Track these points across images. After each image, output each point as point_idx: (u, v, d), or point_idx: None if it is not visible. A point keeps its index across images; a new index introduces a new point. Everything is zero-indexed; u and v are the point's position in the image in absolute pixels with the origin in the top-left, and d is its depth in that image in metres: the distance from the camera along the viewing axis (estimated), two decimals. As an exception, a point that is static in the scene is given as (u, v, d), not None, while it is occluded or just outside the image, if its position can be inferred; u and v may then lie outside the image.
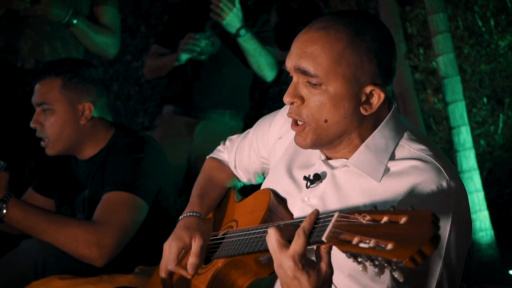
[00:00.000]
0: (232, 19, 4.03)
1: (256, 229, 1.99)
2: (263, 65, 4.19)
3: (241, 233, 2.07)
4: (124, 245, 2.77)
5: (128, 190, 2.81)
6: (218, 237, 2.24)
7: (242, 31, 4.06)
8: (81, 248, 2.67)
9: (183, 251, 2.22)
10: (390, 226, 1.46)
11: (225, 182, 2.52)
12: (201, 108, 4.28)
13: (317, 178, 2.01)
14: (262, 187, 2.23)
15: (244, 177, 2.52)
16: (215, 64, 4.25)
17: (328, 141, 1.93)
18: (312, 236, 1.64)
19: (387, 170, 1.91)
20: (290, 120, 2.03)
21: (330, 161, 2.02)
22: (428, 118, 5.33)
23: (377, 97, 1.88)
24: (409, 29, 5.37)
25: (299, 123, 1.93)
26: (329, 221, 1.61)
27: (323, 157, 2.03)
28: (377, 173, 1.90)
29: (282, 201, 2.12)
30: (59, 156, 3.06)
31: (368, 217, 1.52)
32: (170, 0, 6.80)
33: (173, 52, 4.24)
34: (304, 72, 1.86)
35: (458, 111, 4.52)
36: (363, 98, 1.88)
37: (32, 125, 2.96)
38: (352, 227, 1.54)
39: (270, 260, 1.97)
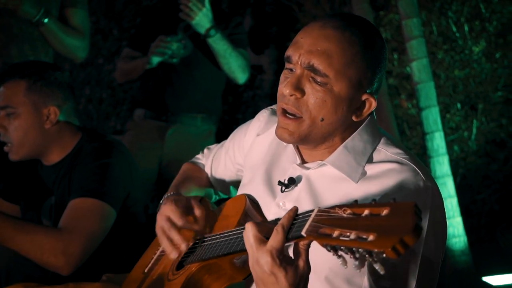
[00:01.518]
0: (202, 19, 4.00)
1: (231, 232, 1.98)
2: (234, 66, 4.16)
3: (215, 237, 2.05)
4: (91, 253, 2.71)
5: (95, 196, 2.76)
6: (192, 243, 2.20)
7: (212, 32, 4.03)
8: (47, 256, 2.62)
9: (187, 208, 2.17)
10: (372, 219, 1.45)
11: (202, 180, 2.51)
12: (173, 111, 4.25)
13: (292, 182, 2.01)
14: (238, 193, 2.23)
15: (219, 186, 2.51)
16: (187, 67, 4.22)
17: (315, 139, 1.93)
18: (291, 232, 1.63)
19: (364, 173, 1.92)
20: (270, 121, 2.10)
21: (306, 165, 2.02)
22: (402, 123, 5.34)
23: (369, 106, 1.92)
24: (383, 33, 5.38)
25: (290, 116, 1.92)
26: (309, 216, 1.61)
27: (299, 161, 2.03)
28: (355, 174, 1.92)
29: (258, 206, 2.10)
30: (24, 161, 3.00)
31: (348, 211, 1.52)
32: (143, 2, 6.76)
33: (144, 55, 4.21)
34: (313, 70, 1.86)
35: (432, 117, 4.53)
36: (358, 105, 1.91)
37: (-5, 129, 2.90)
38: (333, 220, 1.53)
39: (245, 263, 1.98)
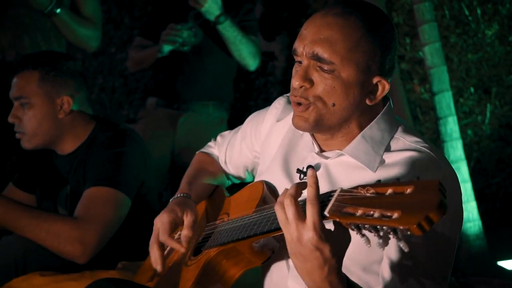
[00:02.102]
0: (211, 6, 4.00)
1: (251, 216, 1.98)
2: (244, 53, 4.15)
3: (234, 222, 2.05)
4: (107, 241, 2.73)
5: (110, 185, 2.78)
6: (209, 229, 2.21)
7: (222, 18, 4.02)
8: (64, 245, 2.65)
9: (175, 224, 2.19)
10: (396, 197, 1.45)
11: (214, 174, 2.50)
12: (184, 99, 4.26)
13: None
14: (255, 180, 2.22)
15: (234, 172, 2.50)
16: (197, 55, 4.22)
17: (329, 125, 1.93)
18: None
19: (382, 161, 1.92)
20: (286, 108, 2.11)
21: (324, 153, 2.01)
22: (414, 108, 5.31)
23: (382, 88, 1.91)
24: (395, 18, 5.34)
25: (303, 105, 1.92)
26: (332, 196, 1.61)
27: (317, 149, 2.02)
28: (373, 163, 1.91)
29: (276, 193, 2.10)
30: (39, 151, 3.02)
31: (372, 190, 1.52)
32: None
33: (156, 44, 4.21)
34: (318, 59, 1.86)
35: (445, 101, 4.50)
36: (370, 88, 1.90)
37: (10, 119, 2.92)
38: (356, 200, 1.53)
39: (263, 247, 1.98)
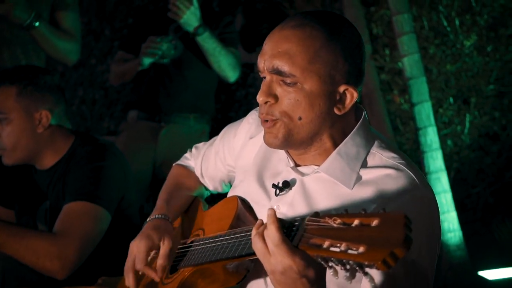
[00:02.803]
0: (189, 18, 4.00)
1: (224, 237, 1.96)
2: (224, 65, 4.15)
3: (208, 241, 2.04)
4: (87, 256, 2.71)
5: (89, 200, 2.76)
6: (185, 245, 2.21)
7: (200, 30, 4.02)
8: (42, 261, 2.62)
9: (152, 252, 2.18)
10: (362, 229, 1.43)
11: (192, 188, 2.48)
12: (166, 112, 4.26)
13: (286, 185, 1.98)
14: (230, 194, 2.20)
15: (211, 185, 2.49)
16: (178, 68, 4.23)
17: (299, 140, 1.90)
18: None
19: (359, 178, 1.89)
20: (260, 123, 2.02)
21: (299, 168, 1.99)
22: (394, 119, 5.34)
23: (350, 97, 1.87)
24: (374, 29, 5.38)
25: (270, 121, 1.89)
26: (299, 225, 1.59)
27: (292, 164, 2.00)
28: (349, 181, 1.89)
29: (250, 209, 2.08)
30: (18, 166, 3.00)
31: (338, 221, 1.49)
32: (135, 3, 6.75)
33: (137, 57, 4.20)
34: (279, 73, 1.84)
35: (425, 112, 4.53)
36: (337, 97, 1.87)
37: (-13, 135, 2.89)
38: (323, 231, 1.51)
39: (237, 267, 1.97)
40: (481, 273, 4.42)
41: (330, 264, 1.45)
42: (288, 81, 1.83)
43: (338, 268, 1.45)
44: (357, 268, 1.39)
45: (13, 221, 3.08)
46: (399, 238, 1.34)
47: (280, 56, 1.83)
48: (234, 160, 2.29)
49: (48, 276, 2.68)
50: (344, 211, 1.51)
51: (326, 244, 1.45)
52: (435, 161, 4.48)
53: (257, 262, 1.86)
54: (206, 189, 2.52)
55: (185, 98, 4.25)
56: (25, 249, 2.62)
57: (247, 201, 2.10)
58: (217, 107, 6.22)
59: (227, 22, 4.31)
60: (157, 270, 2.14)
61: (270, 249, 1.61)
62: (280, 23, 1.92)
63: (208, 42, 4.06)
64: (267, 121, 1.90)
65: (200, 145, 2.56)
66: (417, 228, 1.76)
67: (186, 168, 2.56)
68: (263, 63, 1.87)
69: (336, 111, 1.87)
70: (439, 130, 4.81)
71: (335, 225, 1.49)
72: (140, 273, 2.21)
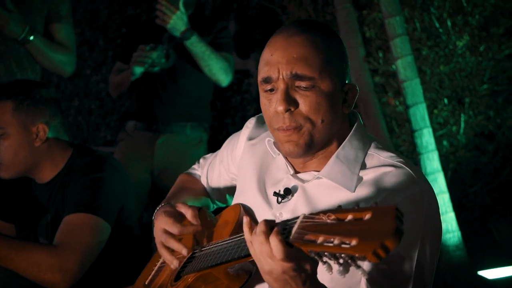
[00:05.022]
0: (176, 22, 4.01)
1: (225, 241, 1.98)
2: (214, 69, 4.14)
3: (210, 247, 2.05)
4: (88, 268, 2.71)
5: (88, 211, 2.76)
6: (190, 254, 2.21)
7: (188, 34, 4.03)
8: (44, 274, 2.62)
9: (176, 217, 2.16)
10: (355, 223, 1.46)
11: (197, 192, 2.51)
12: (162, 121, 4.26)
13: (288, 192, 2.01)
14: (233, 202, 2.23)
15: (215, 196, 2.51)
16: (172, 77, 4.23)
17: (318, 144, 1.94)
18: None
19: (360, 179, 1.93)
20: (258, 127, 2.14)
21: (299, 175, 2.02)
22: (390, 121, 5.36)
23: (352, 94, 1.95)
24: (367, 33, 5.39)
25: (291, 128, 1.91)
26: (294, 223, 1.61)
27: (292, 171, 2.02)
28: (350, 183, 1.92)
29: (253, 216, 2.10)
30: (18, 179, 3.00)
31: (333, 217, 1.52)
32: (128, 12, 6.76)
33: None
34: (299, 77, 1.87)
35: (420, 114, 4.55)
36: (343, 96, 1.94)
37: (-15, 150, 2.90)
38: (317, 227, 1.53)
39: (239, 271, 1.98)
40: (481, 272, 4.43)
41: (324, 259, 1.49)
42: (305, 85, 1.87)
43: (331, 262, 1.48)
44: (349, 261, 1.42)
45: (13, 235, 3.08)
46: (389, 230, 1.37)
47: (297, 61, 1.87)
48: (237, 167, 2.32)
49: (50, 288, 2.69)
50: (338, 207, 1.54)
51: (320, 239, 1.48)
52: (432, 162, 4.49)
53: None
54: (213, 202, 2.54)
55: (180, 107, 4.26)
56: (26, 262, 2.62)
57: (250, 209, 2.12)
58: (213, 114, 6.24)
59: (220, 27, 4.31)
60: (192, 221, 2.12)
61: (267, 255, 1.64)
62: (276, 33, 1.96)
63: (196, 46, 4.06)
64: (287, 129, 1.91)
65: (208, 155, 2.60)
66: (418, 222, 1.83)
67: (192, 175, 2.60)
68: (277, 71, 1.89)
69: (344, 109, 1.95)
70: (434, 131, 4.83)
71: (329, 221, 1.52)
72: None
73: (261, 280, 2.03)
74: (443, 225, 4.40)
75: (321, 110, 1.88)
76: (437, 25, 5.26)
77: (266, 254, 1.64)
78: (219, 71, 4.16)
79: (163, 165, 4.21)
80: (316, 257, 1.50)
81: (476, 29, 5.23)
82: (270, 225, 1.67)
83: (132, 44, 4.31)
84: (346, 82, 1.94)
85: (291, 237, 1.58)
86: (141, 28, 4.43)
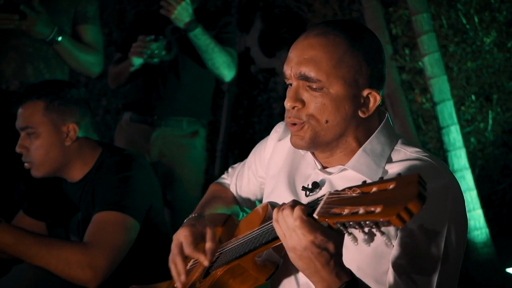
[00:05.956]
0: (181, 13, 3.96)
1: (251, 232, 2.02)
2: (218, 63, 4.10)
3: (238, 240, 2.08)
4: (117, 265, 2.75)
5: (117, 209, 2.79)
6: (218, 253, 2.23)
7: (192, 25, 3.98)
8: (74, 271, 2.65)
9: (195, 237, 2.17)
10: (379, 194, 1.50)
11: (228, 201, 2.53)
12: (159, 115, 4.19)
13: (316, 186, 2.05)
14: (263, 201, 2.26)
15: (244, 203, 2.54)
16: (174, 70, 4.17)
17: (326, 141, 1.97)
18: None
19: (385, 172, 1.95)
20: (287, 130, 2.17)
21: (326, 169, 2.06)
22: (417, 118, 5.33)
23: (373, 100, 1.96)
24: (393, 30, 5.38)
25: (297, 124, 1.97)
26: (321, 200, 1.66)
27: (319, 166, 2.07)
28: (375, 176, 1.94)
29: None
30: (49, 178, 3.04)
31: (358, 191, 1.57)
32: (134, 14, 6.79)
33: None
34: (306, 78, 1.92)
35: (447, 111, 4.53)
36: (361, 101, 1.95)
37: (17, 150, 2.94)
38: (343, 200, 1.58)
39: (265, 261, 2.01)
40: (509, 270, 4.40)
41: (350, 230, 1.53)
42: (314, 86, 1.92)
43: (356, 232, 1.52)
44: (374, 228, 1.46)
45: (45, 233, 3.13)
46: (412, 193, 1.41)
47: (306, 62, 1.92)
48: (265, 171, 2.35)
49: (80, 285, 2.71)
50: (363, 182, 1.59)
51: (345, 211, 1.53)
52: (459, 160, 4.48)
53: (286, 257, 1.91)
54: (242, 210, 2.56)
55: (179, 101, 4.19)
56: (57, 259, 2.65)
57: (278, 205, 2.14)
58: (239, 112, 6.26)
59: (224, 22, 4.26)
60: (207, 253, 2.12)
61: (291, 228, 1.69)
62: (304, 31, 2.00)
63: (200, 39, 4.02)
64: (294, 124, 1.97)
65: (236, 164, 2.63)
66: (443, 213, 1.85)
67: (222, 185, 2.63)
68: (290, 70, 1.96)
69: (360, 114, 1.95)
70: (462, 128, 4.80)
71: (354, 194, 1.57)
72: (186, 262, 2.21)
73: (288, 273, 2.07)
74: (471, 222, 4.38)
75: (326, 112, 1.92)
76: (464, 21, 5.23)
77: (290, 228, 1.69)
78: (222, 65, 4.12)
79: (159, 158, 4.17)
80: (341, 227, 1.54)
81: (504, 25, 5.19)
82: (297, 201, 1.74)
83: (133, 35, 4.21)
84: (370, 87, 1.95)
85: (317, 212, 1.63)
86: (144, 19, 4.36)
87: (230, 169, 2.64)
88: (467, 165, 4.48)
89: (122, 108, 4.40)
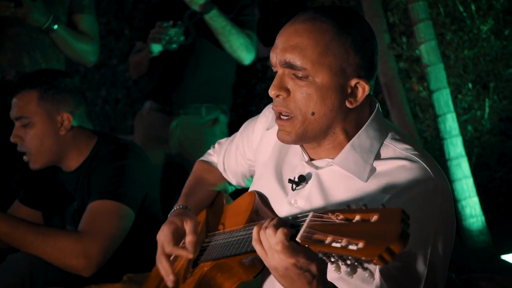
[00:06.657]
0: None
1: (240, 231, 2.01)
2: (235, 45, 4.03)
3: (226, 236, 2.08)
4: (112, 254, 2.76)
5: (112, 198, 2.80)
6: (206, 240, 2.24)
7: (207, 7, 3.92)
8: (69, 259, 2.66)
9: (177, 233, 2.19)
10: (362, 225, 1.47)
11: (214, 183, 2.52)
12: (177, 103, 4.17)
13: (302, 179, 2.00)
14: (250, 189, 2.23)
15: (233, 180, 2.53)
16: (192, 57, 4.14)
17: (313, 135, 1.92)
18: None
19: (373, 169, 1.91)
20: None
21: (314, 162, 2.01)
22: (414, 106, 5.33)
23: (362, 90, 1.88)
24: (391, 18, 5.36)
25: (284, 117, 1.92)
26: (304, 221, 1.63)
27: (306, 158, 2.02)
28: (363, 173, 1.91)
29: (268, 203, 2.11)
30: (45, 168, 3.05)
31: (341, 216, 1.53)
32: (153, 1, 6.79)
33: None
34: (290, 66, 1.86)
35: (443, 99, 4.53)
36: (349, 91, 1.88)
37: (12, 140, 2.95)
38: (326, 226, 1.55)
39: (253, 262, 1.99)
40: (504, 256, 4.41)
41: (333, 259, 1.50)
42: (300, 75, 1.85)
43: (339, 263, 1.49)
44: (356, 263, 1.44)
45: (40, 222, 3.15)
46: (394, 234, 1.38)
47: (291, 49, 1.85)
48: (254, 154, 2.33)
49: (75, 274, 2.73)
50: (347, 207, 1.55)
51: (328, 239, 1.50)
52: (455, 148, 4.47)
53: None
54: (230, 184, 2.56)
55: (197, 87, 4.15)
56: (52, 248, 2.66)
57: (265, 196, 2.13)
58: (238, 101, 6.25)
59: (243, 5, 4.17)
60: (187, 247, 2.14)
61: (273, 249, 1.67)
62: (292, 18, 1.95)
63: (216, 21, 3.96)
64: (280, 118, 1.92)
65: (223, 140, 2.59)
66: (432, 218, 1.81)
67: (208, 163, 2.60)
68: (275, 57, 1.90)
69: (348, 104, 1.89)
70: (458, 116, 4.79)
71: (337, 220, 1.53)
72: (171, 258, 2.23)
73: None
74: (467, 210, 4.40)
75: (311, 102, 1.86)
76: (461, 9, 5.21)
77: (272, 249, 1.68)
78: (240, 47, 4.04)
79: (179, 147, 4.15)
80: (324, 257, 1.52)
81: (501, 13, 5.17)
82: (280, 220, 1.71)
83: (152, 22, 4.17)
84: (358, 76, 1.87)
85: (299, 236, 1.60)
86: (162, 6, 4.31)
87: (216, 145, 2.60)
88: (463, 153, 4.48)
89: (143, 97, 4.38)
